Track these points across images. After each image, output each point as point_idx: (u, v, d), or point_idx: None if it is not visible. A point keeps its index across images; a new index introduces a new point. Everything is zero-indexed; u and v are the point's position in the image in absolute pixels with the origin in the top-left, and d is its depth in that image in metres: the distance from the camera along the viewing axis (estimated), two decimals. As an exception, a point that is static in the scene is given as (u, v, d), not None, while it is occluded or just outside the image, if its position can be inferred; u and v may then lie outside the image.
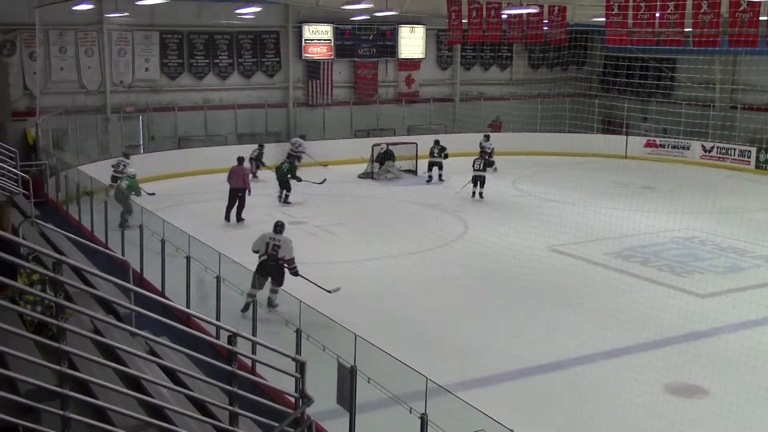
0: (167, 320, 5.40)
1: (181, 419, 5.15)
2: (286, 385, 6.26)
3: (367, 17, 25.62)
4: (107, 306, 6.90)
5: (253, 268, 11.03)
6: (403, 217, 18.70)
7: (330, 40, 27.46)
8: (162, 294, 10.97)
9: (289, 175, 19.61)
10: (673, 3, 15.48)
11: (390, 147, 23.69)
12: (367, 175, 23.36)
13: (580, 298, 12.46)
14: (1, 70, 21.03)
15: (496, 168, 23.84)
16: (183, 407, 5.31)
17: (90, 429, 4.55)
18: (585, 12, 21.39)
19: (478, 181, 20.31)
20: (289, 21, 26.79)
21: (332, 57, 27.59)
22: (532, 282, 13.18)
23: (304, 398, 5.79)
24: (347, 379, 6.99)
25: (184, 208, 18.61)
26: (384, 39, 28.62)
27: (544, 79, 31.20)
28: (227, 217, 17.49)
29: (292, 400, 6.06)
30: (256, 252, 11.48)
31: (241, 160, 18.15)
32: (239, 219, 17.44)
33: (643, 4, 15.88)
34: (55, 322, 4.62)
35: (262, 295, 10.99)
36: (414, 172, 23.83)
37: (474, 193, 20.29)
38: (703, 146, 26.56)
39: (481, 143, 24.46)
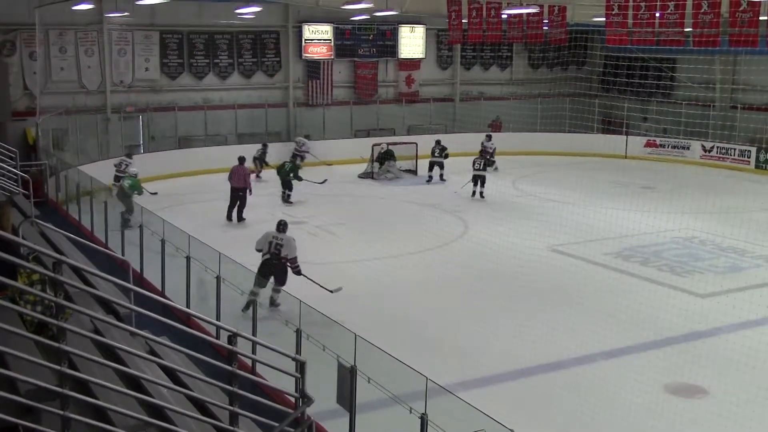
0: (167, 320, 5.39)
1: (181, 419, 5.15)
2: (286, 385, 6.25)
3: (367, 17, 25.63)
4: (107, 306, 6.90)
5: (254, 267, 11.02)
6: (403, 217, 18.70)
7: (330, 39, 27.46)
8: (162, 294, 10.96)
9: (291, 175, 19.63)
10: (673, 3, 15.49)
11: (390, 147, 23.69)
12: (367, 175, 23.36)
13: (580, 298, 12.46)
14: (1, 70, 21.03)
15: (496, 168, 23.85)
16: (183, 407, 5.31)
17: (90, 429, 4.55)
18: (585, 12, 21.38)
19: (479, 180, 20.34)
20: (289, 21, 26.80)
21: (332, 57, 27.59)
22: (532, 282, 13.18)
23: (304, 398, 5.79)
24: (347, 379, 6.99)
25: (184, 208, 18.61)
26: (384, 39, 28.62)
27: (544, 79, 31.19)
28: (229, 217, 17.52)
29: (292, 400, 6.05)
30: (259, 251, 11.50)
31: (242, 159, 18.14)
32: (240, 218, 17.46)
33: (643, 4, 15.88)
34: (55, 322, 4.62)
35: (264, 294, 11.00)
36: (414, 172, 23.82)
37: (474, 192, 20.32)
38: (703, 146, 26.56)
39: (483, 143, 24.46)
